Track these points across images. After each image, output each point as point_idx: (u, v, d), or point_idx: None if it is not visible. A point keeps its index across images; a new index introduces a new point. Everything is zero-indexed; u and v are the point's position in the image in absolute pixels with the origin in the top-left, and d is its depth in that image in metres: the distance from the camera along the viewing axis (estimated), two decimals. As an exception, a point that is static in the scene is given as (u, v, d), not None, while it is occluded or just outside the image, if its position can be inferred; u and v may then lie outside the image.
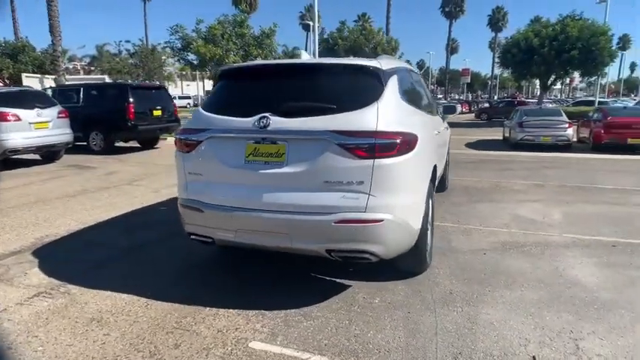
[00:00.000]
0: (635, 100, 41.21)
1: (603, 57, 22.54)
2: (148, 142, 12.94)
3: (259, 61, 3.63)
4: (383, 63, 3.19)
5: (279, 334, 2.73)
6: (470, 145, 14.11)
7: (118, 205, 5.98)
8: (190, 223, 3.24)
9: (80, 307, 3.11)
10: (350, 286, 3.40)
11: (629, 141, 12.42)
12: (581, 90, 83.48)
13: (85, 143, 11.58)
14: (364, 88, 2.98)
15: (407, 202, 2.88)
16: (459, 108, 11.32)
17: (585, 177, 8.05)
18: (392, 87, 3.07)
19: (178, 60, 21.55)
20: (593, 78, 27.22)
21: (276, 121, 2.83)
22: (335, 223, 2.72)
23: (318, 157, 2.75)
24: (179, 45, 19.79)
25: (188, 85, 62.11)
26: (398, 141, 2.75)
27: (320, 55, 30.56)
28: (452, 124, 8.40)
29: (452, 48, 71.53)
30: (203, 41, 18.56)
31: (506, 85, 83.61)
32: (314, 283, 3.50)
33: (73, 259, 4.04)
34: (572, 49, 22.37)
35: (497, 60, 28.41)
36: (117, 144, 12.17)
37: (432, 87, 77.89)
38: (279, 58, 30.71)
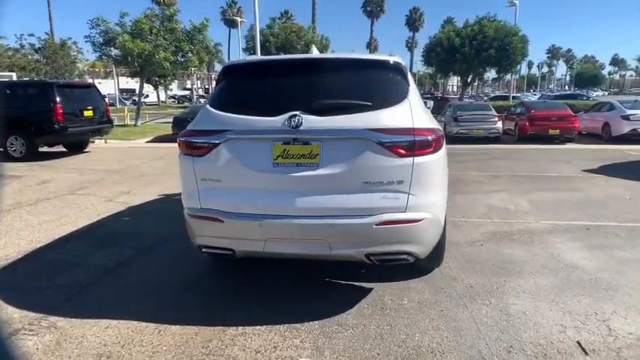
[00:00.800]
0: (535, 94, 45.85)
1: (516, 55, 24.69)
2: (76, 146, 11.70)
3: (276, 56, 3.36)
4: (397, 58, 3.11)
5: (324, 348, 2.55)
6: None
7: (70, 219, 5.29)
8: (204, 235, 2.91)
9: (78, 343, 2.67)
10: (371, 288, 3.30)
11: (550, 132, 13.75)
12: (488, 86, 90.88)
13: (1, 149, 10.18)
14: (392, 84, 2.89)
15: (439, 199, 2.85)
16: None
17: (530, 166, 8.71)
18: (412, 82, 3.01)
19: (100, 56, 19.72)
20: (509, 74, 29.66)
21: (309, 120, 2.63)
22: (376, 225, 2.60)
23: (357, 156, 2.60)
24: (101, 39, 18.12)
25: (100, 83, 57.57)
26: (433, 138, 2.70)
27: (252, 53, 29.95)
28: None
29: (373, 47, 73.99)
30: (129, 36, 17.17)
31: (423, 82, 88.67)
32: (332, 288, 3.36)
33: (43, 284, 3.46)
34: (490, 48, 24.21)
35: (421, 59, 29.86)
36: (41, 149, 10.85)
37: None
38: (210, 55, 29.47)
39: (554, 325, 2.73)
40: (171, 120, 18.42)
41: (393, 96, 2.79)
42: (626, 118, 12.88)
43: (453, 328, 2.73)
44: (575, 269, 3.58)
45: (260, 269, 3.64)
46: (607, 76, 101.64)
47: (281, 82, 2.94)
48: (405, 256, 2.74)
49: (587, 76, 76.58)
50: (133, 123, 20.20)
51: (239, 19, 34.05)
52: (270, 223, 2.68)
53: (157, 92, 44.52)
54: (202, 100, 60.04)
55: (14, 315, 3.00)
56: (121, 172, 8.57)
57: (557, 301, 3.05)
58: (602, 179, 7.20)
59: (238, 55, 34.39)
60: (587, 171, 7.86)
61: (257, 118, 2.73)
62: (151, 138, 16.98)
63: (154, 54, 17.42)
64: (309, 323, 2.82)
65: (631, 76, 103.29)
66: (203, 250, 2.99)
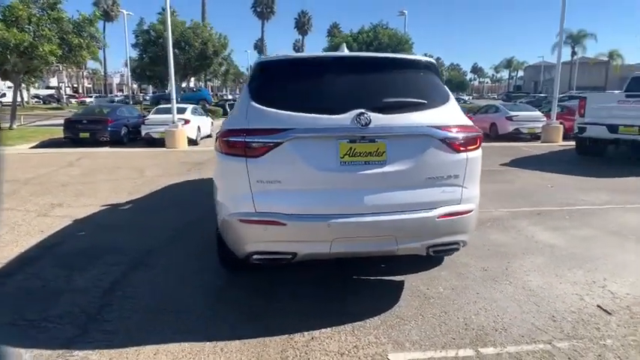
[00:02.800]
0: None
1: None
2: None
3: (327, 53, 3.18)
4: (433, 61, 3.29)
5: (401, 340, 2.62)
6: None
7: (9, 239, 4.44)
8: (260, 240, 2.74)
9: (133, 373, 2.33)
10: (402, 281, 3.44)
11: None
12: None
13: None
14: (437, 84, 3.07)
15: (478, 191, 3.10)
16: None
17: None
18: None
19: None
20: None
21: (377, 118, 2.66)
22: (438, 218, 2.75)
23: (421, 153, 2.72)
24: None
25: (-57, 79, 47.93)
26: (479, 134, 2.94)
27: (145, 49, 27.76)
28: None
29: (261, 48, 74.10)
30: (3, 24, 14.64)
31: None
32: (366, 285, 3.41)
33: (36, 318, 2.89)
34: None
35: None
36: None
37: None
38: (101, 48, 26.46)
39: (572, 295, 3.18)
40: (54, 122, 16.26)
41: (440, 95, 2.97)
42: (510, 118, 14.98)
43: (497, 307, 3.01)
44: (553, 247, 4.17)
45: (276, 275, 3.53)
46: (478, 83, 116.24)
47: (337, 80, 2.91)
48: (456, 246, 2.94)
49: (455, 82, 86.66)
50: (8, 125, 17.32)
51: (124, 12, 31.24)
52: (339, 223, 2.65)
53: (19, 91, 38.67)
54: (73, 101, 53.59)
55: (25, 356, 2.48)
56: (34, 182, 7.38)
57: (559, 275, 3.53)
58: (520, 171, 8.36)
59: (124, 52, 31.62)
60: (504, 165, 9.04)
61: (322, 116, 2.67)
62: (36, 143, 14.79)
63: (37, 46, 15.16)
64: (371, 320, 2.85)
65: (487, 83, 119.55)
66: (254, 257, 2.81)
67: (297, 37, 75.86)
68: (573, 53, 57.97)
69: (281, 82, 2.95)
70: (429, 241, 2.81)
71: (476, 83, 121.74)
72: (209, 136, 16.17)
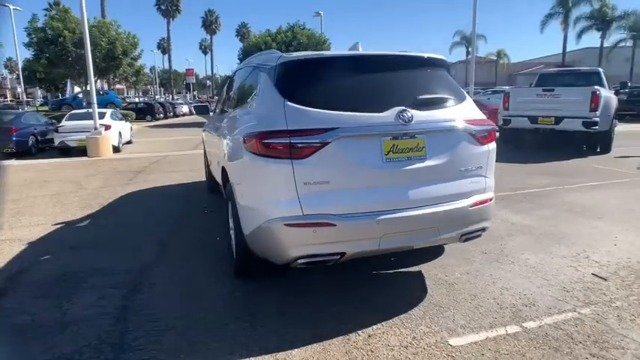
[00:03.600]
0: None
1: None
2: None
3: (357, 52, 3.01)
4: None
5: (453, 326, 2.74)
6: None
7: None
8: (307, 243, 2.66)
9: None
10: (419, 270, 3.57)
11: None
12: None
13: None
14: (454, 82, 3.22)
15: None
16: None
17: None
18: None
19: None
20: None
21: (418, 115, 2.74)
22: (471, 207, 2.92)
23: (456, 147, 2.86)
24: None
25: None
26: (495, 127, 3.17)
27: (42, 50, 24.82)
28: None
29: (165, 47, 70.42)
30: None
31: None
32: (385, 279, 3.49)
33: (51, 352, 2.51)
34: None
35: (237, 61, 30.23)
36: None
37: (156, 88, 74.99)
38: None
39: (568, 267, 3.57)
40: None
41: (459, 92, 3.15)
42: None
43: (514, 285, 3.28)
44: (530, 228, 4.62)
45: (292, 282, 3.46)
46: None
47: (373, 78, 2.93)
48: (482, 232, 3.14)
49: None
50: None
51: (11, 7, 27.60)
52: (388, 219, 2.68)
53: None
54: None
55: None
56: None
57: (548, 252, 3.93)
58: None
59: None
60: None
61: (366, 114, 2.69)
62: None
63: None
64: (413, 311, 2.94)
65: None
66: (300, 262, 2.72)
67: (204, 36, 73.67)
68: (467, 53, 63.87)
69: (317, 81, 2.89)
70: (463, 229, 2.96)
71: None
72: (129, 142, 15.02)
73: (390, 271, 3.60)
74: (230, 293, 3.25)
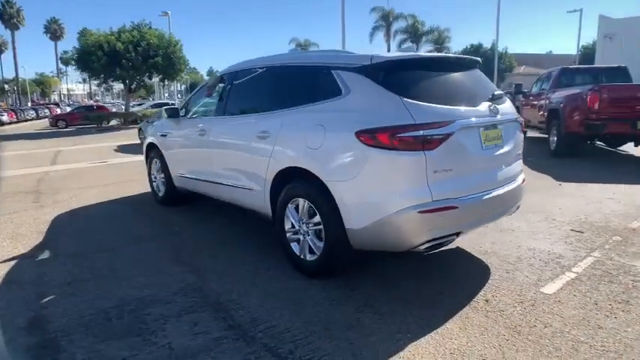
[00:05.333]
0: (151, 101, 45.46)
1: (180, 64, 26.14)
2: None
3: (443, 54, 2.99)
4: None
5: (534, 281, 3.33)
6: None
7: None
8: (434, 227, 2.90)
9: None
10: (456, 247, 4.10)
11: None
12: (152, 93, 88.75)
13: None
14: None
15: None
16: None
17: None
18: None
19: None
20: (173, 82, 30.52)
21: (500, 108, 3.24)
22: (521, 184, 3.57)
23: (515, 135, 3.47)
24: None
25: None
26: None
27: None
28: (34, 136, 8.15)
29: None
30: None
31: (27, 90, 75.86)
32: (428, 268, 3.90)
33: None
34: (156, 55, 24.53)
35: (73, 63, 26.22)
36: None
37: None
38: None
39: (552, 229, 4.57)
40: None
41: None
42: None
43: (534, 246, 4.07)
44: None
45: (377, 276, 3.63)
46: None
47: (462, 76, 3.31)
48: (519, 207, 3.80)
49: (197, 85, 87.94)
50: None
51: None
52: (489, 198, 3.13)
53: None
54: None
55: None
56: None
57: (528, 220, 4.90)
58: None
59: None
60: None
61: (469, 108, 3.07)
62: None
63: None
64: (494, 276, 3.43)
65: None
66: (426, 246, 2.94)
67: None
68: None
69: (419, 78, 3.15)
70: (517, 203, 3.58)
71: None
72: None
73: (443, 254, 3.99)
74: (326, 298, 3.21)
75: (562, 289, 3.18)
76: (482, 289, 3.21)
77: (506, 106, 3.51)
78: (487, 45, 41.21)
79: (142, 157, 6.25)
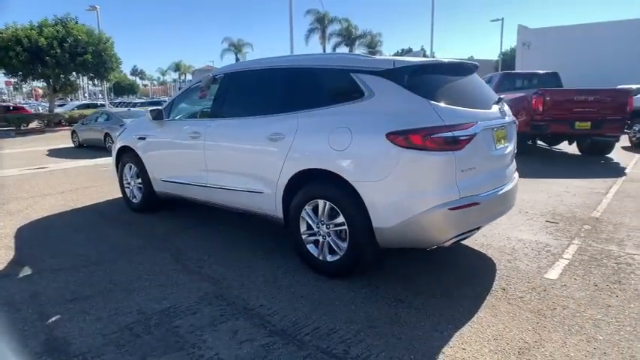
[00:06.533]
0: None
1: (112, 62, 24.54)
2: None
3: (453, 59, 2.86)
4: None
5: (537, 267, 3.65)
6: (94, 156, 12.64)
7: None
8: (461, 223, 3.09)
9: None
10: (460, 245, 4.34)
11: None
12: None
13: None
14: None
15: None
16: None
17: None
18: None
19: None
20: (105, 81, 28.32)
21: (506, 110, 3.50)
22: (517, 180, 3.88)
23: (514, 135, 3.77)
24: None
25: None
26: None
27: None
28: None
29: None
30: None
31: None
32: (448, 259, 4.12)
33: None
34: (85, 52, 22.83)
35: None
36: None
37: None
38: None
39: (529, 221, 4.99)
40: None
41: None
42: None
43: (521, 237, 4.43)
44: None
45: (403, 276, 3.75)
46: (142, 86, 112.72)
47: (472, 80, 3.49)
48: None
49: (124, 85, 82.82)
50: None
51: None
52: (502, 193, 3.40)
53: None
54: None
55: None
56: None
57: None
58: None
59: None
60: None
61: (485, 110, 3.29)
62: None
63: None
64: (500, 268, 3.70)
65: (154, 85, 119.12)
66: (452, 241, 3.12)
67: None
68: (237, 59, 66.81)
69: (441, 82, 3.30)
70: (516, 199, 3.88)
71: (142, 86, 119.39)
72: None
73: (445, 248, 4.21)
74: (356, 296, 3.26)
75: (563, 275, 3.52)
76: (495, 279, 3.45)
77: (507, 109, 3.80)
78: (416, 49, 43.45)
79: (86, 162, 5.84)
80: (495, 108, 3.50)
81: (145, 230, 4.92)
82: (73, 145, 15.51)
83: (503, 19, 33.95)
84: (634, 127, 10.40)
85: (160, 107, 5.10)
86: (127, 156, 5.54)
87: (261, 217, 4.07)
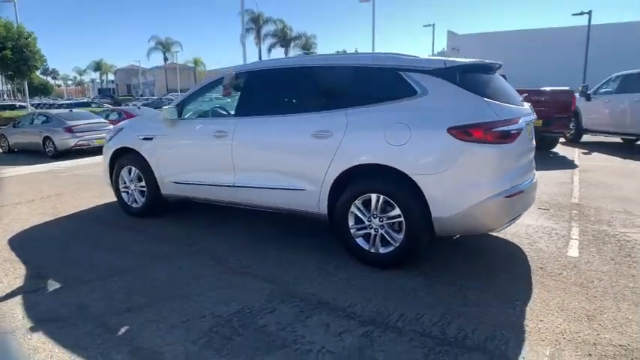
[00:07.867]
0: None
1: (36, 60, 22.39)
2: None
3: (484, 60, 2.80)
4: None
5: (557, 248, 4.07)
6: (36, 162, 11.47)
7: None
8: (511, 210, 3.39)
9: None
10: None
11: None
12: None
13: None
14: None
15: None
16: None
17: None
18: None
19: None
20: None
21: (530, 107, 3.88)
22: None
23: (533, 130, 4.15)
24: None
25: None
26: None
27: None
28: None
29: None
30: None
31: None
32: (471, 245, 4.42)
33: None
34: (4, 48, 20.63)
35: None
36: None
37: None
38: None
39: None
40: None
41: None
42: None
43: (525, 227, 4.89)
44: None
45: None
46: (57, 86, 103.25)
47: (500, 79, 3.81)
48: None
49: (36, 85, 75.60)
50: None
51: None
52: (534, 183, 3.78)
53: None
54: None
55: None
56: None
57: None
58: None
59: None
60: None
61: (521, 107, 3.64)
62: None
63: None
64: (520, 253, 4.08)
65: (69, 86, 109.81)
66: (505, 226, 3.42)
67: None
68: (165, 59, 63.98)
69: (485, 81, 3.58)
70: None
71: (56, 87, 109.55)
72: None
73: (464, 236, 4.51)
74: (418, 285, 3.43)
75: (582, 253, 3.96)
76: (530, 260, 3.80)
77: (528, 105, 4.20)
78: (350, 51, 44.71)
79: (42, 167, 5.38)
80: (526, 104, 3.86)
81: (160, 235, 4.67)
82: (0, 151, 14.03)
83: (434, 24, 36.13)
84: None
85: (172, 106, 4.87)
86: (125, 158, 5.20)
87: (297, 215, 4.08)
